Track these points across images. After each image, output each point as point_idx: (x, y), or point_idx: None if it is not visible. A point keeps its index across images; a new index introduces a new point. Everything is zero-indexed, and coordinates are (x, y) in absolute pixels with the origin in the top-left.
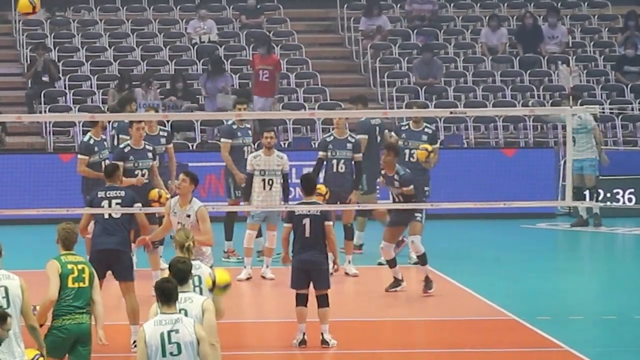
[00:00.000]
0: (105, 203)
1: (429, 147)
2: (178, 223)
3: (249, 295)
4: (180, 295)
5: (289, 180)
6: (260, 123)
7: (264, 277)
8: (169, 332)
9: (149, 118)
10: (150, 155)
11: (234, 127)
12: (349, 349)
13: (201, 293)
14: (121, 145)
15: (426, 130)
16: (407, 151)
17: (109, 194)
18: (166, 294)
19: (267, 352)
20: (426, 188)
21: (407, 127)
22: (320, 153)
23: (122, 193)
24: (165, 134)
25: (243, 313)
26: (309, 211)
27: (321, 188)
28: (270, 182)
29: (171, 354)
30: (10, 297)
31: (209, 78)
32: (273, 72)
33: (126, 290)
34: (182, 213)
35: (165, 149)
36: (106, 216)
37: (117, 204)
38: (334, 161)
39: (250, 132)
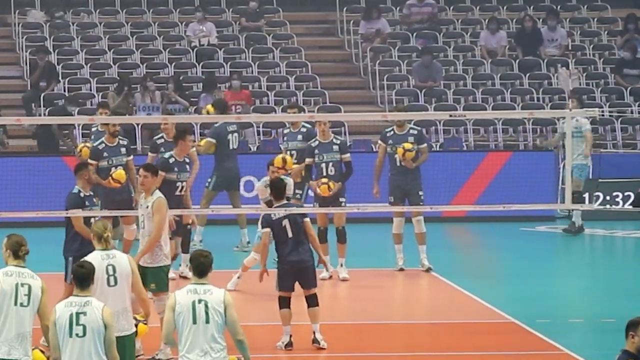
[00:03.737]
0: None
1: (407, 146)
2: (141, 216)
3: (239, 299)
4: (199, 287)
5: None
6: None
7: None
8: (77, 314)
9: (148, 121)
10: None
11: None
12: (349, 352)
13: (116, 282)
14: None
15: (411, 132)
16: (396, 156)
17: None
18: (80, 278)
19: (263, 355)
20: (420, 193)
21: (392, 132)
22: (307, 160)
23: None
24: None
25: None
26: (286, 211)
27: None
28: None
29: (77, 335)
30: (31, 296)
31: (204, 93)
32: (244, 106)
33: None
34: (144, 205)
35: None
36: None
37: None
38: (323, 165)
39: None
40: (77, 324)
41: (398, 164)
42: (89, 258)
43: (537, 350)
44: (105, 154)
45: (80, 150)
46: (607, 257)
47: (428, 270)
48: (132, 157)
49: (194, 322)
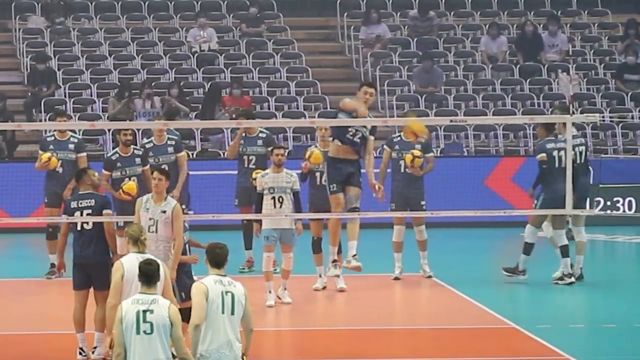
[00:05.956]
0: (77, 213)
1: (416, 152)
2: (150, 219)
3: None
4: (223, 279)
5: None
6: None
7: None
8: (144, 312)
9: (149, 126)
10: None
11: None
12: (350, 358)
13: None
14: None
15: (419, 139)
16: (401, 162)
17: (81, 203)
18: (148, 276)
19: None
20: (422, 203)
21: (399, 138)
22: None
23: (92, 202)
24: (174, 142)
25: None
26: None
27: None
28: (281, 199)
29: (144, 332)
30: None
31: (210, 102)
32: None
33: (101, 299)
34: (157, 209)
35: (175, 157)
36: (78, 227)
37: (88, 214)
38: (317, 174)
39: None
40: (145, 321)
41: (402, 170)
42: (125, 259)
43: (537, 356)
44: (118, 164)
45: (49, 160)
46: (608, 262)
47: (429, 277)
48: (147, 166)
49: (223, 312)
